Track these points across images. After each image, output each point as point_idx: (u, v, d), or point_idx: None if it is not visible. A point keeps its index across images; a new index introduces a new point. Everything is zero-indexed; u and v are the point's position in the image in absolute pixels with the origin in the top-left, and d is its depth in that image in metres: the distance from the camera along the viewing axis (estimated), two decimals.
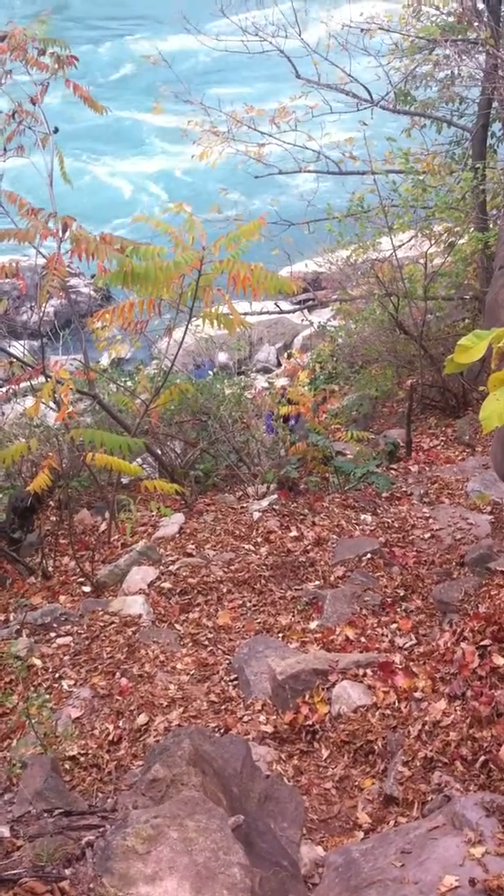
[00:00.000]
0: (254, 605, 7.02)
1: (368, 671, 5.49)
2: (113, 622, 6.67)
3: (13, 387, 8.15)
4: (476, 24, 11.67)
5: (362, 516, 8.38)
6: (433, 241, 12.46)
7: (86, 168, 25.10)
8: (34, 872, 2.41)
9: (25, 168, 7.01)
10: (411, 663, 5.56)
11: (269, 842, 3.27)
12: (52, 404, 7.45)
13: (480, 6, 11.71)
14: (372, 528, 8.11)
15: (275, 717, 5.48)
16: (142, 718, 5.51)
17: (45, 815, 2.90)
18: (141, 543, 7.82)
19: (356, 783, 4.81)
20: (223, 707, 5.76)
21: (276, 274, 7.70)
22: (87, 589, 7.45)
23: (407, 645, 5.94)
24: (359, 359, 13.95)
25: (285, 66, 12.46)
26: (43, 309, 8.06)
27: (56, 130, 7.03)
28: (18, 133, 6.96)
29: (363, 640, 6.10)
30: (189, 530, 8.26)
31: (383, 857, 3.60)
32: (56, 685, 6.06)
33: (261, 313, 15.07)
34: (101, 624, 6.68)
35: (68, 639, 6.59)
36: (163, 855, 2.41)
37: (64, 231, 6.79)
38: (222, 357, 14.91)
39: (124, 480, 9.11)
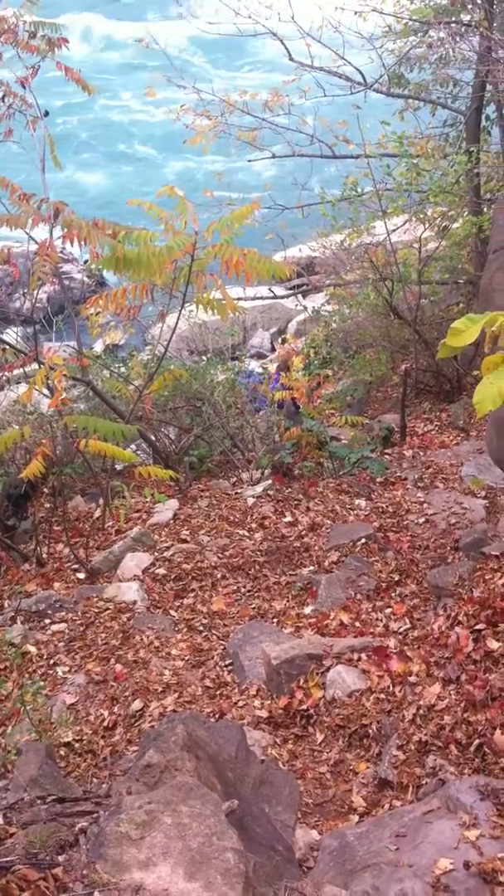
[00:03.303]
0: (248, 591, 7.02)
1: (363, 656, 5.49)
2: (107, 608, 6.67)
3: (6, 374, 8.13)
4: (469, 6, 11.61)
5: (357, 501, 8.38)
6: (427, 225, 12.42)
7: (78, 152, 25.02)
8: (27, 859, 2.40)
9: (16, 152, 6.97)
10: (406, 648, 5.57)
11: (263, 826, 3.27)
12: (45, 391, 7.42)
13: None
14: (366, 513, 8.11)
15: (269, 701, 5.48)
16: (137, 704, 5.51)
17: (39, 801, 2.90)
18: (135, 530, 7.81)
19: (351, 767, 4.82)
20: (218, 692, 5.76)
21: (270, 259, 7.67)
22: (81, 576, 7.45)
23: (401, 629, 5.95)
24: (353, 343, 13.94)
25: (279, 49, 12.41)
26: (35, 295, 8.02)
27: (46, 114, 6.99)
28: (8, 116, 6.91)
29: (357, 624, 6.11)
30: (183, 516, 8.25)
31: (378, 840, 3.60)
32: (51, 672, 6.06)
33: (254, 298, 15.03)
34: (96, 610, 6.68)
35: (63, 625, 6.58)
36: (156, 841, 2.41)
37: (56, 216, 6.76)
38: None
39: (118, 467, 9.10)
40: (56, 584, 7.34)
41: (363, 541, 7.40)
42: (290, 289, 17.52)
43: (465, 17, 12.04)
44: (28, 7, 7.22)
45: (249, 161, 13.85)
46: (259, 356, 17.30)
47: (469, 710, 4.61)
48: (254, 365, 14.35)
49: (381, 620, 6.15)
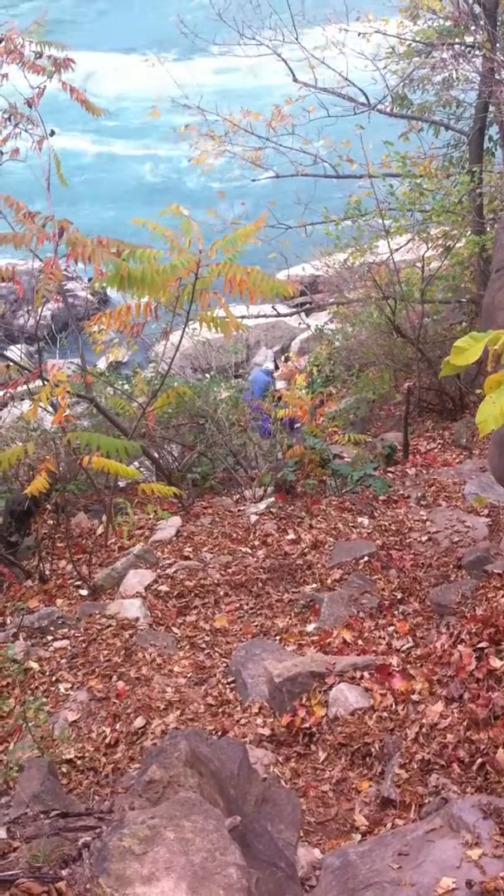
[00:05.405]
0: (251, 608, 7.02)
1: (366, 674, 5.49)
2: (110, 625, 6.66)
3: (10, 391, 8.14)
4: (473, 27, 11.70)
5: (359, 519, 8.39)
6: (430, 245, 12.48)
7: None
8: (31, 873, 2.40)
9: (23, 171, 7.02)
10: (408, 666, 5.56)
11: (265, 843, 3.26)
12: (49, 408, 7.44)
13: (477, 10, 11.73)
14: (369, 530, 8.11)
15: (272, 719, 5.47)
16: (139, 721, 5.50)
17: (42, 816, 2.89)
18: (138, 546, 7.81)
19: (353, 786, 4.81)
20: (220, 710, 5.75)
21: (273, 277, 7.70)
22: (83, 592, 7.44)
23: (404, 647, 5.94)
24: (356, 362, 13.95)
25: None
26: (40, 313, 8.05)
27: (52, 133, 7.04)
28: (14, 136, 6.97)
29: (360, 642, 6.10)
30: (186, 533, 8.25)
31: (380, 859, 3.60)
32: (53, 688, 6.05)
33: (258, 316, 15.07)
34: (98, 627, 6.67)
35: (65, 642, 6.58)
36: (159, 855, 2.41)
37: (60, 235, 6.80)
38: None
39: (121, 484, 9.11)
40: (58, 601, 7.34)
41: (366, 559, 7.40)
42: (294, 307, 17.58)
43: (469, 39, 12.14)
44: (35, 29, 7.28)
45: (254, 181, 13.93)
46: None
47: (472, 729, 4.61)
48: (267, 365, 14.32)
49: (384, 638, 6.14)
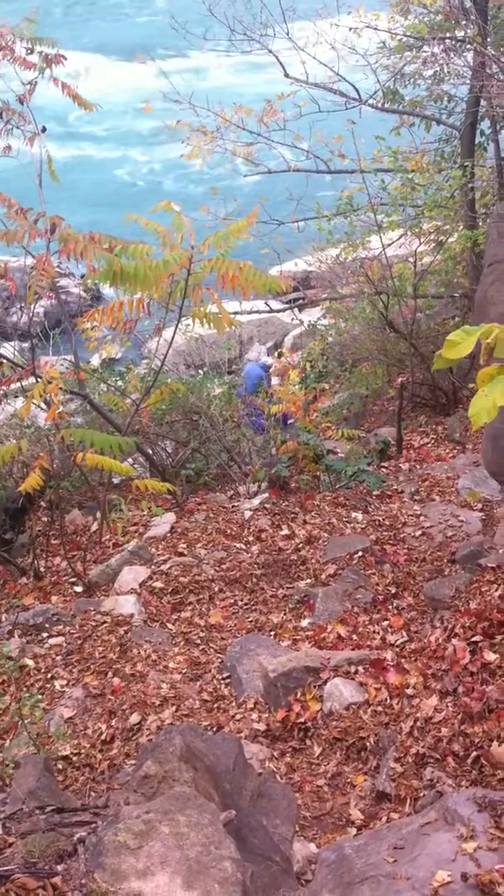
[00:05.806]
0: (245, 604, 7.02)
1: (360, 668, 5.49)
2: (105, 622, 6.66)
3: (3, 388, 8.13)
4: (463, 21, 11.70)
5: (353, 514, 8.39)
6: (422, 240, 12.48)
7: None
8: (26, 868, 2.40)
9: (14, 167, 7.01)
10: (403, 660, 5.57)
11: (261, 838, 3.27)
12: (42, 405, 7.43)
13: (468, 4, 11.73)
14: (363, 526, 8.12)
15: (267, 714, 5.48)
16: (134, 717, 5.50)
17: (38, 812, 2.90)
18: (132, 543, 7.81)
19: (348, 780, 4.82)
20: (215, 705, 5.75)
21: (265, 272, 7.69)
22: (78, 589, 7.44)
23: (398, 642, 5.95)
24: (349, 357, 13.97)
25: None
26: (32, 309, 8.04)
27: (44, 130, 7.02)
28: (5, 132, 6.95)
29: (355, 637, 6.11)
30: (180, 529, 8.25)
31: (376, 853, 3.60)
32: (48, 685, 6.05)
33: (250, 312, 15.05)
34: (93, 624, 6.67)
35: (60, 639, 6.57)
36: (154, 850, 2.42)
37: (52, 231, 6.78)
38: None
39: (115, 480, 9.09)
40: (53, 598, 7.33)
41: (360, 553, 7.40)
42: (287, 303, 17.58)
43: (459, 33, 12.14)
44: (27, 25, 7.26)
45: (245, 177, 13.92)
46: None
47: (466, 722, 4.62)
48: (264, 360, 14.30)
49: (379, 633, 6.15)
